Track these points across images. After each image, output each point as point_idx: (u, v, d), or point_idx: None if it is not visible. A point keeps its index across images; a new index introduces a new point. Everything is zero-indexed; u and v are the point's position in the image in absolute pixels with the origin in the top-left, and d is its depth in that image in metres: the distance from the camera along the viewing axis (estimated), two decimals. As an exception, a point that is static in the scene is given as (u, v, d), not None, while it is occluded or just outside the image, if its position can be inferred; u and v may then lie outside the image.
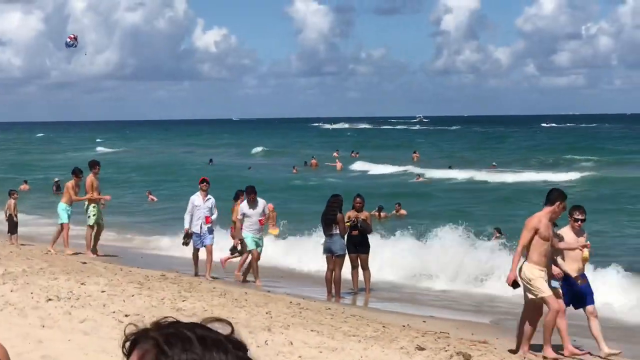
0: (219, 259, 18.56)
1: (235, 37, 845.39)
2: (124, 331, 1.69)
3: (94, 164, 19.91)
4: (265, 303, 13.12)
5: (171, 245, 22.00)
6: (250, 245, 17.27)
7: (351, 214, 16.59)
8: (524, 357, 11.10)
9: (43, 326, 9.73)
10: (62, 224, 19.44)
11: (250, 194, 17.38)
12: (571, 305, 11.54)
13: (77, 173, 20.01)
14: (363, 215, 16.69)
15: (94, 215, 19.49)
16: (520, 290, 11.25)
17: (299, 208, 30.88)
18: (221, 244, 18.85)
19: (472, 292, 17.18)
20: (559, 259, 11.34)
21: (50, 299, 11.34)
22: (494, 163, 55.71)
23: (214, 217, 17.75)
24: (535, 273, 10.83)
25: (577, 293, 11.40)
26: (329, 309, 13.79)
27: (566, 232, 11.42)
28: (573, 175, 46.16)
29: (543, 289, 10.81)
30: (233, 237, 18.65)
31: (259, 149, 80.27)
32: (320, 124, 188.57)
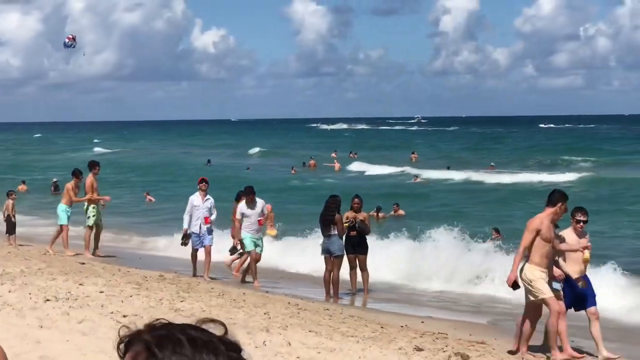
0: (225, 264, 18.68)
1: (234, 38, 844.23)
2: (118, 333, 1.72)
3: (93, 165, 19.88)
4: (264, 304, 13.12)
5: (169, 246, 21.99)
6: (249, 246, 17.25)
7: (349, 214, 16.58)
8: (522, 358, 11.12)
9: (41, 327, 9.71)
10: (61, 226, 19.43)
11: (249, 194, 17.36)
12: (572, 307, 11.55)
13: (77, 174, 19.97)
14: (361, 215, 16.68)
15: (93, 216, 19.48)
16: (518, 292, 11.27)
17: (297, 209, 30.89)
18: (220, 245, 18.86)
19: (470, 293, 17.20)
20: (561, 261, 11.33)
21: (48, 300, 11.32)
22: (492, 163, 55.74)
23: (213, 217, 17.74)
24: (536, 274, 10.83)
25: (578, 295, 11.40)
26: (327, 309, 13.80)
27: (568, 233, 11.41)
28: (571, 176, 46.18)
29: (544, 290, 10.82)
30: (233, 236, 18.65)
31: (257, 149, 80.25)
32: (319, 125, 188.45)
